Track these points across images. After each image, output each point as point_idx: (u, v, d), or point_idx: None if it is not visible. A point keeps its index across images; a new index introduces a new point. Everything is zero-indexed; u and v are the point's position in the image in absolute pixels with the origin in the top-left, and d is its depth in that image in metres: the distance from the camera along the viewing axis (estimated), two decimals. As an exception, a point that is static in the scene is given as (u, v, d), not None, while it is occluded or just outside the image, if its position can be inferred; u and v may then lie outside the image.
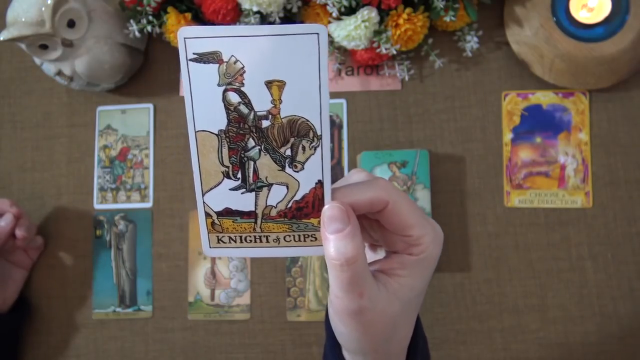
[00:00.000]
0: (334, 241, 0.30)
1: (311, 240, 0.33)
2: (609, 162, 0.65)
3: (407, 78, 0.67)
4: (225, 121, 0.30)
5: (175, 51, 0.69)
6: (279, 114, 0.30)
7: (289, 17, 0.66)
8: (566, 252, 0.64)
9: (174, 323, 0.68)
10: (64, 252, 0.70)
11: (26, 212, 0.67)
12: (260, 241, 0.33)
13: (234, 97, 0.29)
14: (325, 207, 0.31)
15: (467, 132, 0.67)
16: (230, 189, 0.32)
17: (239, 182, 0.32)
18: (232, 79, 0.29)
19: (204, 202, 0.32)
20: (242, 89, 0.29)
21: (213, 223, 0.33)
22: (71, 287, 0.70)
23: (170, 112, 0.71)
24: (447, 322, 0.65)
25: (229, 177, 0.32)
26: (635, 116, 0.65)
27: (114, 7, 0.66)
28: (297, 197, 0.32)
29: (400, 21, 0.60)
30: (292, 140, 0.30)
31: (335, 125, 0.69)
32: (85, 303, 0.69)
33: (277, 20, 0.63)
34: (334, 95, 0.69)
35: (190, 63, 0.29)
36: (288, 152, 0.31)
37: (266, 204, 0.32)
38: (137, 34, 0.63)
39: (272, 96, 0.29)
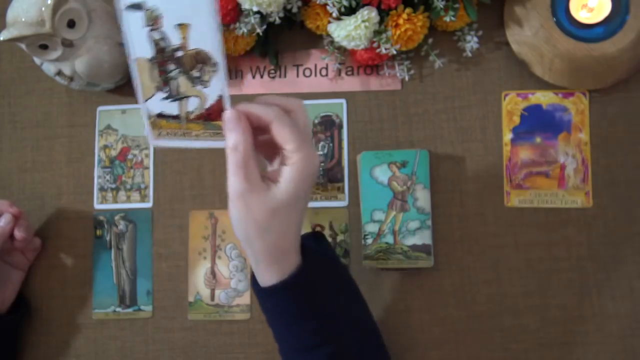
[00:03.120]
0: (229, 134, 0.43)
1: (219, 136, 0.45)
2: (609, 162, 0.65)
3: (407, 78, 0.67)
4: (153, 51, 0.43)
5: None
6: (186, 47, 0.42)
7: (289, 17, 0.66)
8: (566, 252, 0.64)
9: (174, 323, 0.68)
10: (64, 253, 0.70)
11: (26, 212, 0.67)
12: (186, 136, 0.47)
13: (156, 35, 0.42)
14: (225, 112, 0.44)
15: (467, 132, 0.67)
16: (162, 99, 0.45)
17: (168, 94, 0.45)
18: (153, 22, 0.42)
19: (146, 108, 0.46)
20: (161, 29, 0.42)
21: (154, 122, 0.46)
22: (71, 287, 0.70)
23: (170, 112, 0.71)
24: (447, 322, 0.65)
25: (160, 90, 0.45)
26: (635, 116, 0.65)
27: (114, 7, 0.66)
28: (206, 105, 0.44)
29: (400, 21, 0.61)
30: (198, 66, 0.43)
31: (335, 125, 0.69)
32: (85, 303, 0.69)
33: (277, 20, 0.63)
34: (334, 95, 0.69)
35: (125, 11, 0.42)
36: (197, 74, 0.43)
37: (186, 110, 0.45)
38: (137, 34, 0.64)
39: (181, 34, 0.42)
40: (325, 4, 0.61)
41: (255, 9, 0.60)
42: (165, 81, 0.44)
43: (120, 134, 0.71)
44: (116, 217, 0.70)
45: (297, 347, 0.48)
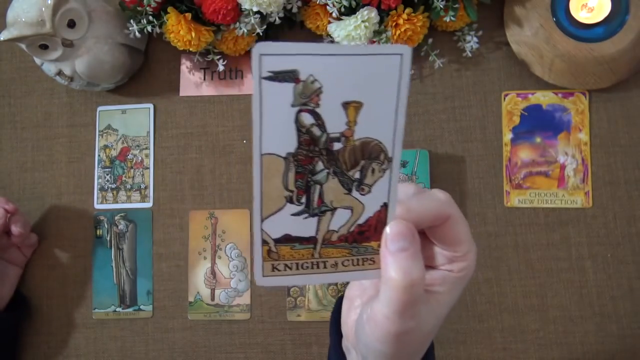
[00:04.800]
0: (399, 261, 0.29)
1: (369, 264, 0.31)
2: (608, 162, 0.65)
3: (407, 78, 0.67)
4: (296, 143, 0.28)
5: (175, 51, 0.69)
6: (352, 135, 0.28)
7: (289, 17, 0.66)
8: (566, 252, 0.64)
9: (174, 323, 0.68)
10: (64, 252, 0.70)
11: (26, 212, 0.67)
12: (318, 267, 0.31)
13: (307, 119, 0.27)
14: (390, 223, 0.29)
15: (467, 132, 0.67)
16: (292, 214, 0.29)
17: (303, 206, 0.29)
18: (307, 99, 0.27)
19: (261, 229, 0.29)
20: (316, 109, 0.27)
21: (269, 251, 0.30)
22: (71, 287, 0.70)
23: (170, 112, 0.71)
24: (447, 322, 0.64)
25: (292, 202, 0.29)
26: (635, 116, 0.65)
27: (114, 7, 0.66)
28: (361, 220, 0.30)
29: (400, 21, 0.61)
30: (362, 162, 0.29)
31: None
32: (85, 303, 0.69)
33: (277, 20, 0.63)
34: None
35: (264, 81, 0.26)
36: (356, 175, 0.29)
37: (328, 228, 0.30)
38: (137, 34, 0.64)
39: (347, 117, 0.28)
40: (325, 4, 0.61)
41: (255, 9, 0.60)
42: (304, 188, 0.29)
43: (120, 134, 0.71)
44: (116, 217, 0.70)
45: None
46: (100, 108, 0.72)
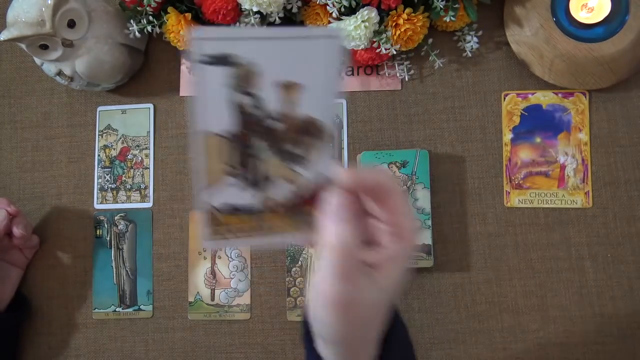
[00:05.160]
0: (337, 227, 0.30)
1: (307, 229, 0.33)
2: (608, 162, 0.65)
3: (407, 78, 0.67)
4: (235, 123, 0.30)
5: (175, 51, 0.69)
6: (291, 114, 0.30)
7: (289, 17, 0.66)
8: (566, 252, 0.64)
9: (174, 323, 0.68)
10: (64, 252, 0.70)
11: (26, 212, 0.67)
12: (258, 231, 0.33)
13: (245, 99, 0.29)
14: (329, 193, 0.31)
15: (467, 132, 0.67)
16: (232, 186, 0.32)
17: (243, 179, 0.31)
18: (245, 82, 0.28)
19: (205, 199, 0.32)
20: (254, 91, 0.29)
21: (213, 218, 0.32)
22: (71, 287, 0.70)
23: (170, 112, 0.71)
24: (447, 322, 0.65)
25: (232, 175, 0.31)
26: (635, 116, 0.65)
27: (114, 7, 0.66)
28: (301, 190, 0.32)
29: (400, 21, 0.61)
30: (302, 139, 0.30)
31: (335, 126, 0.69)
32: (85, 303, 0.69)
33: (277, 20, 0.63)
34: (334, 95, 0.69)
35: (202, 65, 0.27)
36: (297, 151, 0.31)
37: (268, 197, 0.32)
38: (137, 34, 0.64)
39: (286, 98, 0.29)
40: (325, 4, 0.61)
41: (255, 9, 0.60)
42: (243, 163, 0.31)
43: (120, 134, 0.71)
44: (116, 217, 0.70)
45: None
46: (100, 108, 0.72)
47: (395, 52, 0.63)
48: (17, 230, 0.63)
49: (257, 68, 0.28)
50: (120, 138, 0.71)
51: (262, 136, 0.30)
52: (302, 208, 0.33)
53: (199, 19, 0.63)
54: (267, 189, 0.32)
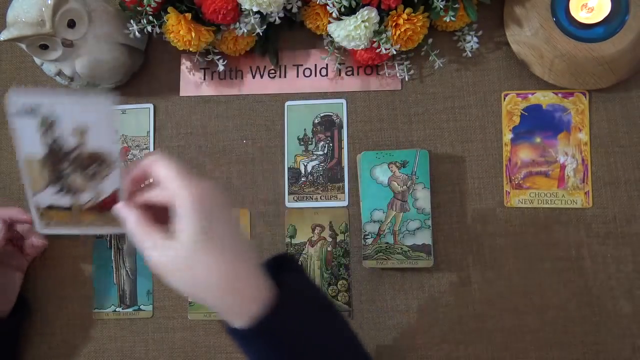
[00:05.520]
0: (127, 219, 0.44)
1: (115, 223, 0.47)
2: (608, 162, 0.65)
3: (407, 78, 0.67)
4: (46, 151, 0.44)
5: (175, 51, 0.69)
6: (84, 148, 0.44)
7: (289, 17, 0.66)
8: (566, 252, 0.64)
9: (174, 323, 0.68)
10: (64, 252, 0.70)
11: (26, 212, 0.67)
12: (77, 225, 0.49)
13: (49, 139, 0.44)
14: (118, 205, 0.45)
15: (467, 132, 0.67)
16: (53, 193, 0.47)
17: (59, 188, 0.47)
18: (48, 127, 0.43)
19: (35, 201, 0.47)
20: (55, 133, 0.43)
21: (43, 213, 0.48)
22: (71, 287, 0.70)
23: (170, 112, 0.71)
24: (447, 322, 0.65)
25: (52, 186, 0.46)
26: (635, 116, 0.65)
27: (114, 7, 0.66)
28: (101, 198, 0.47)
29: (400, 21, 0.61)
30: (94, 164, 0.45)
31: (335, 125, 0.69)
32: (85, 303, 0.69)
33: (277, 20, 0.63)
34: (334, 95, 0.69)
35: (19, 116, 0.42)
36: (92, 172, 0.46)
37: (79, 202, 0.47)
38: (137, 34, 0.64)
39: (78, 137, 0.44)
40: (325, 4, 0.61)
41: (255, 9, 0.60)
42: (57, 178, 0.46)
43: (120, 134, 0.71)
44: (116, 217, 0.70)
45: None
46: (100, 108, 0.72)
47: (395, 52, 0.63)
48: (38, 240, 0.66)
49: (56, 118, 0.42)
50: (120, 138, 0.71)
51: (67, 162, 0.45)
52: (108, 208, 0.47)
53: (199, 19, 0.63)
54: (77, 196, 0.47)
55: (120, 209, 0.45)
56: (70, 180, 0.47)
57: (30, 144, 0.44)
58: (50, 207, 0.48)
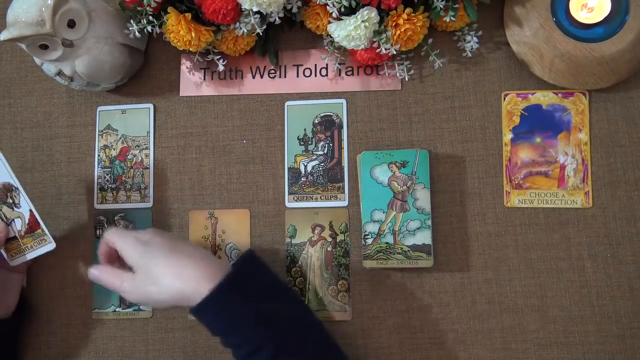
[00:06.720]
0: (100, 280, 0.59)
1: (44, 241, 0.63)
2: (608, 162, 0.65)
3: (407, 78, 0.67)
4: None
5: (175, 51, 0.69)
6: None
7: (289, 17, 0.66)
8: (566, 252, 0.64)
9: (174, 323, 0.68)
10: (64, 252, 0.70)
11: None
12: (25, 250, 0.63)
13: None
14: (90, 270, 0.60)
15: (467, 132, 0.67)
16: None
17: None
18: None
19: None
20: None
21: (6, 247, 0.62)
22: (71, 287, 0.70)
23: (170, 112, 0.71)
24: (447, 322, 0.65)
25: None
26: (635, 116, 0.65)
27: (114, 7, 0.66)
28: (26, 221, 0.62)
29: (400, 21, 0.61)
30: (8, 194, 0.61)
31: (335, 125, 0.69)
32: (85, 303, 0.69)
33: (277, 20, 0.63)
34: (334, 95, 0.69)
35: None
36: (10, 200, 0.61)
37: (16, 230, 0.62)
38: (137, 34, 0.64)
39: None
40: (325, 4, 0.61)
41: (255, 9, 0.60)
42: None
43: (120, 134, 0.71)
44: (116, 217, 0.70)
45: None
46: (100, 108, 0.72)
47: (395, 52, 0.63)
48: None
49: None
50: (120, 138, 0.71)
51: None
52: (35, 228, 0.62)
53: (199, 19, 0.63)
54: (12, 226, 0.62)
55: (92, 272, 0.59)
56: (3, 212, 0.62)
57: None
58: (7, 241, 0.62)
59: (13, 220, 0.62)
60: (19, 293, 0.66)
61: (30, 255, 0.63)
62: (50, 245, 0.62)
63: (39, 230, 0.62)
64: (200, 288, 0.53)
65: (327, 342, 0.57)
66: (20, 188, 0.61)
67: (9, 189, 0.61)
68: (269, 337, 0.53)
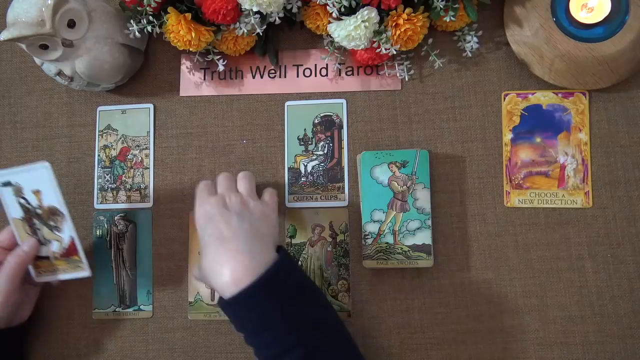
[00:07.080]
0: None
1: (79, 268, 0.62)
2: (608, 162, 0.65)
3: (407, 78, 0.67)
4: (22, 212, 0.61)
5: (175, 51, 0.69)
6: (43, 205, 0.60)
7: (289, 17, 0.66)
8: (566, 252, 0.64)
9: (174, 323, 0.68)
10: (64, 252, 0.70)
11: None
12: (56, 271, 0.62)
13: (22, 200, 0.60)
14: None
15: (467, 132, 0.67)
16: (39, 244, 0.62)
17: (38, 240, 0.61)
18: (19, 192, 0.60)
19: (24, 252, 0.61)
20: (24, 196, 0.60)
21: (34, 263, 0.62)
22: (71, 287, 0.70)
23: (170, 112, 0.71)
24: (447, 322, 0.65)
25: (32, 237, 0.61)
26: (635, 116, 0.65)
27: (115, 7, 0.66)
28: (64, 245, 0.61)
29: (400, 21, 0.61)
30: (52, 217, 0.60)
31: (335, 125, 0.69)
32: (85, 303, 0.69)
33: (277, 20, 0.63)
34: (334, 95, 0.69)
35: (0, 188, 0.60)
36: (52, 223, 0.60)
37: (51, 251, 0.61)
38: (137, 34, 0.64)
39: (36, 198, 0.60)
40: (325, 4, 0.61)
41: (255, 9, 0.60)
42: (34, 232, 0.61)
43: (120, 134, 0.71)
44: (116, 217, 0.70)
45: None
46: (100, 108, 0.72)
47: (395, 52, 0.63)
48: None
49: (20, 186, 0.59)
50: (120, 138, 0.71)
51: (36, 217, 0.60)
52: (72, 254, 0.61)
53: (199, 19, 0.63)
54: (49, 246, 0.61)
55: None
56: (42, 233, 0.61)
57: (12, 207, 0.60)
58: (37, 258, 0.61)
59: (50, 241, 0.61)
60: (33, 304, 0.66)
61: (62, 277, 0.62)
62: (85, 273, 0.62)
63: (76, 257, 0.61)
64: (231, 287, 0.51)
65: (354, 352, 0.56)
66: (67, 215, 0.59)
67: (54, 212, 0.59)
68: (300, 340, 0.51)
